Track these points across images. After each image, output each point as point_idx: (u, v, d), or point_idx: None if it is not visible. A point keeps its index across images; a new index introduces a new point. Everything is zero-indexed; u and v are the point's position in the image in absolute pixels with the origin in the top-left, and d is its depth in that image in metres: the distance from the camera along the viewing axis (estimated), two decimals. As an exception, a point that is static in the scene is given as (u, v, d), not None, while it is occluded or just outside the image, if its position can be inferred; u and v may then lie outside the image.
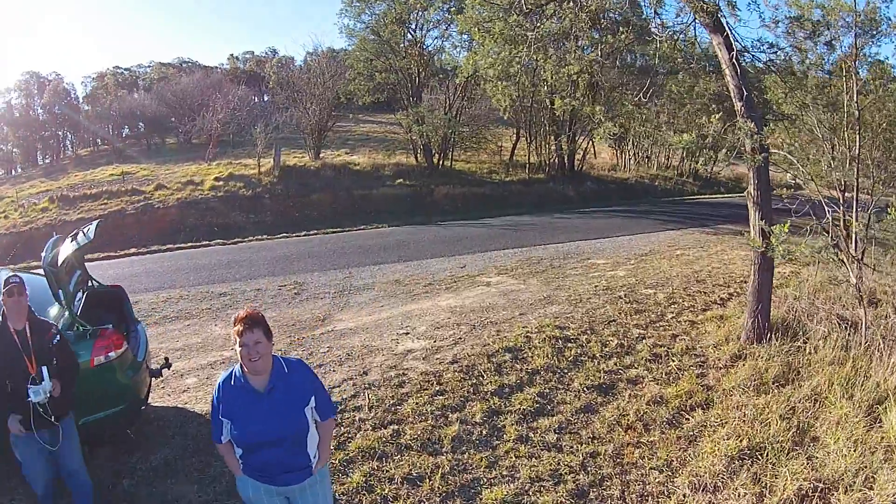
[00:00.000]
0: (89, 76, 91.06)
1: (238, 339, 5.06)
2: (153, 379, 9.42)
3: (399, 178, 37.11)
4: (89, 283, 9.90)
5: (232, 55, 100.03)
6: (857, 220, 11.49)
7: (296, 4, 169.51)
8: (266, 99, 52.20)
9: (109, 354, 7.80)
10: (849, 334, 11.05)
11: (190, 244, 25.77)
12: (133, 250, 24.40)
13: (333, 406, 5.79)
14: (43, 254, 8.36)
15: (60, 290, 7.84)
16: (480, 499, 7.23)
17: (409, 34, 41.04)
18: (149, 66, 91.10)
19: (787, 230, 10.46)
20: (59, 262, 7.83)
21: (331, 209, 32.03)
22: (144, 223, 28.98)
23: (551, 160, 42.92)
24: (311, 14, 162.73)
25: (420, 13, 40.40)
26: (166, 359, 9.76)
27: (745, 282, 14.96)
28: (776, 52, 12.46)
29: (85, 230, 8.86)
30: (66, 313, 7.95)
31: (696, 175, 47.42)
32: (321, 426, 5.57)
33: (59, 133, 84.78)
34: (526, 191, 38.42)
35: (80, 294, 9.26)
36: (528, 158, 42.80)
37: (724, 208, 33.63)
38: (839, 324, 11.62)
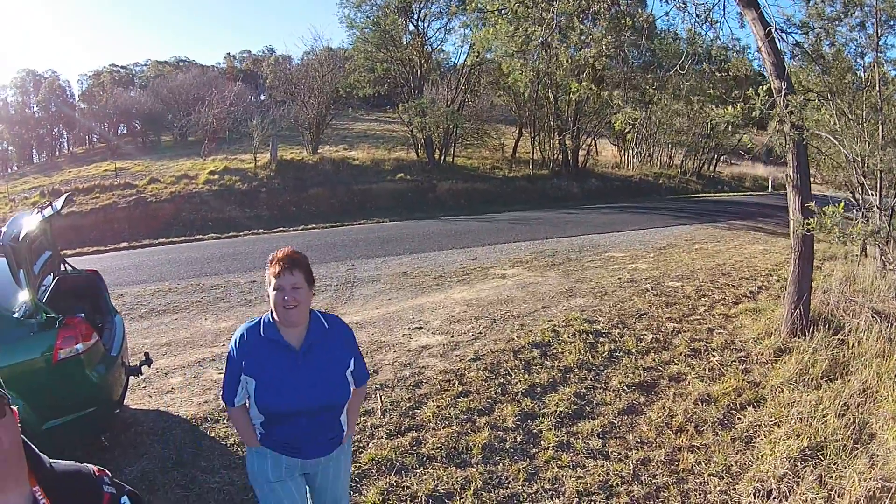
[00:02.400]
0: (86, 74, 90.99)
1: (273, 281, 4.19)
2: (131, 378, 8.33)
3: (400, 173, 36.67)
4: (62, 268, 8.72)
5: (229, 54, 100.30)
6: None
7: (294, 1, 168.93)
8: (263, 98, 51.74)
9: (77, 347, 6.62)
10: (889, 327, 10.49)
11: (183, 238, 25.16)
12: (124, 244, 23.66)
13: (367, 371, 4.87)
14: (3, 228, 7.24)
15: (21, 270, 6.68)
16: (523, 518, 6.06)
17: (411, 25, 40.67)
18: (145, 65, 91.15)
19: (842, 209, 9.86)
20: (21, 237, 6.69)
21: (329, 204, 31.51)
22: (136, 217, 28.23)
23: (555, 157, 42.84)
24: (311, 10, 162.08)
25: (422, 2, 40.03)
26: (146, 354, 8.60)
27: (772, 275, 15.12)
28: (807, 32, 11.67)
29: (53, 202, 7.79)
30: (28, 298, 6.75)
31: (699, 174, 48.08)
32: (354, 393, 4.66)
33: (55, 131, 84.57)
34: (530, 187, 38.30)
35: (49, 278, 8.10)
36: (532, 155, 42.77)
37: (731, 206, 34.35)
38: (874, 317, 11.08)
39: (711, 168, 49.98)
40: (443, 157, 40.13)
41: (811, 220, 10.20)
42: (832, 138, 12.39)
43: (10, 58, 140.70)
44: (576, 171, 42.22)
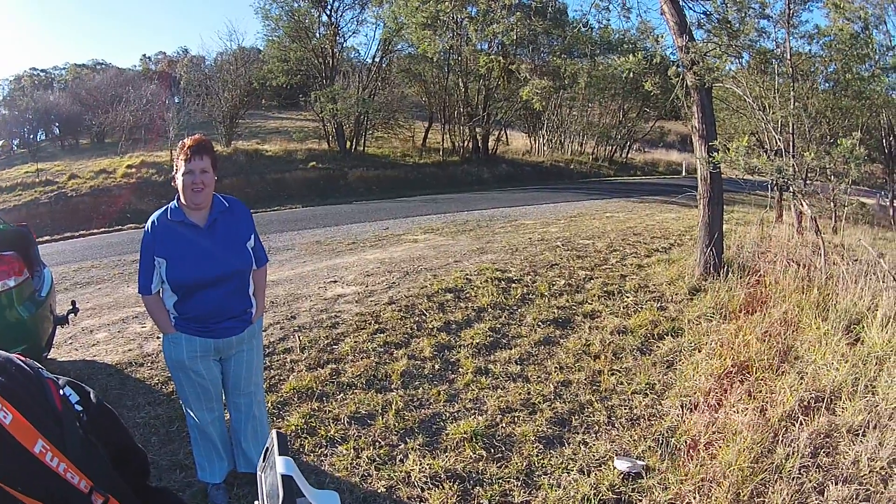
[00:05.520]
0: (7, 79, 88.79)
1: (183, 166, 4.65)
2: (58, 327, 8.39)
3: (312, 162, 37.11)
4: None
5: (144, 55, 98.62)
6: (808, 151, 11.29)
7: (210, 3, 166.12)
8: (177, 100, 51.04)
9: (7, 282, 6.77)
10: (807, 270, 10.90)
11: (103, 229, 25.30)
12: (46, 238, 23.31)
13: (266, 254, 5.39)
14: None
15: None
16: (446, 434, 6.30)
17: (324, 16, 40.86)
18: (64, 68, 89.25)
19: (746, 143, 10.52)
20: None
21: (243, 193, 31.19)
22: (58, 211, 28.32)
23: (465, 144, 43.34)
24: (224, 10, 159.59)
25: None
26: (73, 302, 8.73)
27: (684, 235, 15.69)
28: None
29: None
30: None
31: (611, 160, 48.83)
32: (256, 273, 5.20)
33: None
34: (440, 173, 38.95)
35: None
36: (442, 143, 43.17)
37: (644, 186, 35.46)
38: (790, 263, 11.50)
39: (624, 154, 50.70)
40: (354, 147, 40.56)
41: (716, 155, 10.54)
42: (735, 88, 12.76)
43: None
44: (486, 158, 42.80)
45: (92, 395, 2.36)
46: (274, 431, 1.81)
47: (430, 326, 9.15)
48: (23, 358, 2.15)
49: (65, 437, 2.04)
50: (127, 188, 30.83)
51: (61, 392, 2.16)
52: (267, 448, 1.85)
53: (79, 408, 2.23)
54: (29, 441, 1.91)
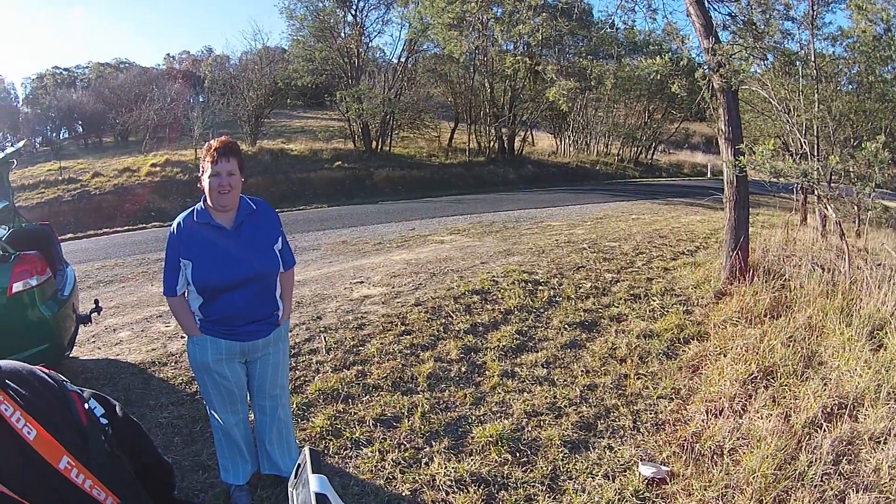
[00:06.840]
0: (29, 77, 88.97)
1: (210, 168, 4.61)
2: (81, 325, 8.47)
3: (337, 161, 36.99)
4: (16, 221, 8.88)
5: (168, 54, 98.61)
6: (833, 154, 11.21)
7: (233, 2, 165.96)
8: (202, 100, 50.92)
9: (30, 281, 6.80)
10: (831, 274, 10.72)
11: (127, 228, 25.25)
12: (70, 235, 23.30)
13: (294, 256, 5.36)
14: None
15: None
16: (471, 437, 6.29)
17: (349, 16, 40.87)
18: (87, 67, 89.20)
19: (772, 147, 10.30)
20: None
21: (268, 192, 31.13)
22: (81, 210, 28.31)
23: (491, 145, 43.20)
24: (249, 8, 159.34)
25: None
26: (96, 301, 8.85)
27: (710, 238, 15.48)
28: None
29: (13, 143, 7.97)
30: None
31: (636, 161, 48.44)
32: (283, 276, 5.14)
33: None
34: (466, 173, 38.78)
35: (2, 230, 8.32)
36: (468, 144, 43.12)
37: (670, 188, 34.85)
38: (814, 267, 11.36)
39: (649, 156, 50.32)
40: (380, 146, 40.42)
41: (742, 158, 10.49)
42: (761, 91, 12.69)
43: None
44: (512, 158, 42.69)
45: (118, 409, 2.48)
46: (307, 448, 1.81)
47: (457, 328, 9.16)
48: (46, 370, 2.30)
49: (90, 453, 2.13)
50: (151, 186, 30.81)
51: (86, 406, 2.30)
52: (299, 464, 1.85)
53: (104, 421, 2.33)
54: (54, 457, 1.98)
